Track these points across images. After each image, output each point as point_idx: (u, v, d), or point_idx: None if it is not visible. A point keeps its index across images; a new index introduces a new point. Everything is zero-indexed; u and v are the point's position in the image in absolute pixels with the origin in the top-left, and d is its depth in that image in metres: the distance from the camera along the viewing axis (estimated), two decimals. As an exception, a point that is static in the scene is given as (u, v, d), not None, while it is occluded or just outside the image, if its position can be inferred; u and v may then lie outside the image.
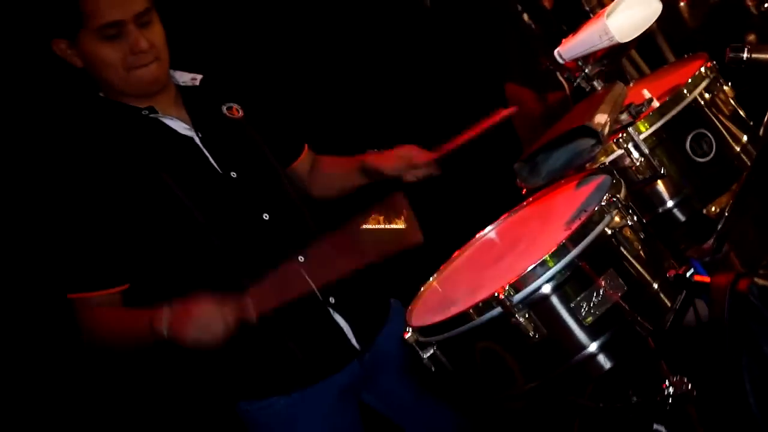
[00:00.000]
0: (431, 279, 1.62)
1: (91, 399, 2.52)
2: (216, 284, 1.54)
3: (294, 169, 1.96)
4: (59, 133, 1.64)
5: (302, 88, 3.12)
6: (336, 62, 3.35)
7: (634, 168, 1.61)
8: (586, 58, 1.40)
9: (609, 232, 1.23)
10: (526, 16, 2.61)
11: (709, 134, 1.75)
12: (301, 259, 1.66)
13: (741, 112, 1.89)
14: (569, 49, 1.35)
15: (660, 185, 1.70)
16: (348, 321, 1.73)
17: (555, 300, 1.21)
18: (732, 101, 1.86)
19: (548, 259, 1.19)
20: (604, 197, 1.23)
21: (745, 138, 1.83)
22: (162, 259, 1.60)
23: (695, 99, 1.74)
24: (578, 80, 1.43)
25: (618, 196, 1.24)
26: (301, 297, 1.60)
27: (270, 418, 1.70)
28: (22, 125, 2.27)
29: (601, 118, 1.18)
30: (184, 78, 1.74)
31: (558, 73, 1.53)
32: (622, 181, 1.40)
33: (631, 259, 1.24)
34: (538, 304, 1.21)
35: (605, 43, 1.24)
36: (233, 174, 1.65)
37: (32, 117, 2.19)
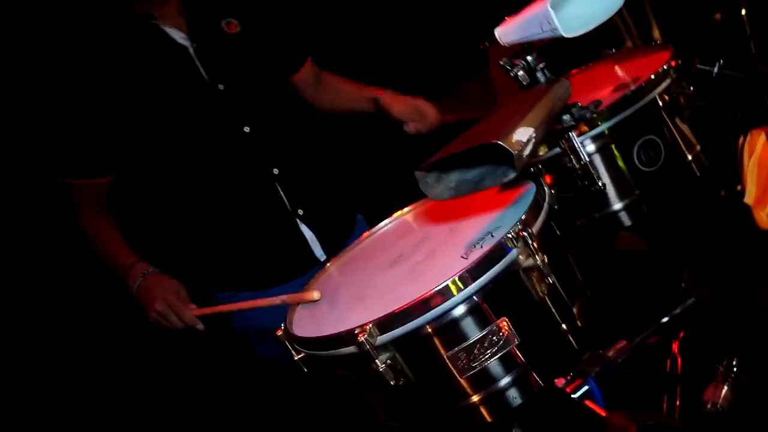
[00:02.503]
0: (329, 264, 1.40)
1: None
2: (189, 190, 1.56)
3: (295, 81, 1.87)
4: (62, 31, 1.56)
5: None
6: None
7: (573, 170, 1.28)
8: (531, 45, 1.01)
9: (511, 271, 0.90)
10: None
11: (660, 141, 1.40)
12: (275, 171, 1.63)
13: (699, 118, 1.53)
14: (509, 31, 0.96)
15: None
16: (314, 231, 1.69)
17: (430, 346, 0.89)
18: (693, 105, 1.50)
19: (429, 298, 0.86)
20: (512, 229, 0.88)
21: (699, 147, 1.48)
22: (140, 158, 1.58)
23: (654, 99, 1.39)
24: (516, 70, 1.04)
25: (530, 229, 0.89)
26: (271, 206, 1.62)
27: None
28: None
29: (522, 135, 0.81)
30: None
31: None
32: (546, 197, 1.06)
33: (531, 307, 0.92)
34: (408, 347, 0.89)
35: (547, 35, 0.86)
36: (221, 86, 1.57)
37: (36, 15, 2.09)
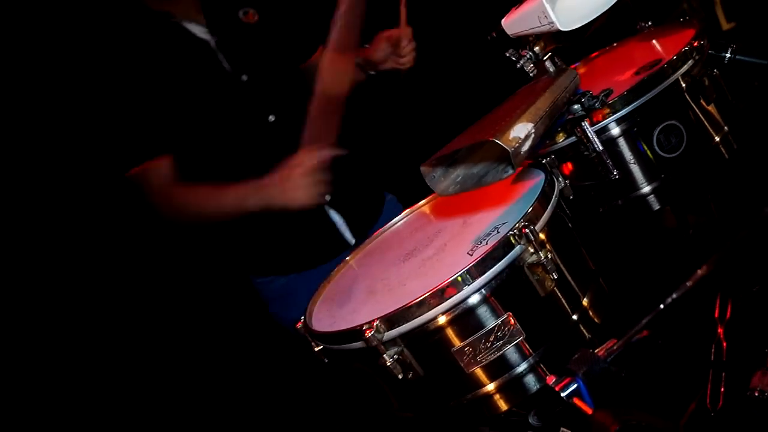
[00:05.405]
0: (349, 257, 1.40)
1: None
2: (221, 179, 1.52)
3: (306, 66, 1.83)
4: (95, 36, 1.57)
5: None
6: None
7: (591, 159, 1.24)
8: (538, 36, 0.97)
9: (516, 267, 0.88)
10: None
11: (682, 126, 1.33)
12: None
13: (728, 97, 1.45)
14: (513, 23, 0.93)
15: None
16: (343, 216, 1.68)
17: (437, 340, 0.89)
18: (719, 85, 1.41)
19: (433, 295, 0.86)
20: (515, 226, 0.87)
21: (726, 128, 1.41)
22: (177, 151, 1.56)
23: (676, 82, 1.32)
24: (523, 61, 1.01)
25: (534, 225, 0.87)
26: None
27: (272, 292, 1.75)
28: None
29: (521, 131, 0.79)
30: None
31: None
32: (556, 189, 1.04)
33: (537, 301, 0.91)
34: (416, 341, 0.90)
35: (545, 28, 0.83)
36: (244, 77, 1.58)
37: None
